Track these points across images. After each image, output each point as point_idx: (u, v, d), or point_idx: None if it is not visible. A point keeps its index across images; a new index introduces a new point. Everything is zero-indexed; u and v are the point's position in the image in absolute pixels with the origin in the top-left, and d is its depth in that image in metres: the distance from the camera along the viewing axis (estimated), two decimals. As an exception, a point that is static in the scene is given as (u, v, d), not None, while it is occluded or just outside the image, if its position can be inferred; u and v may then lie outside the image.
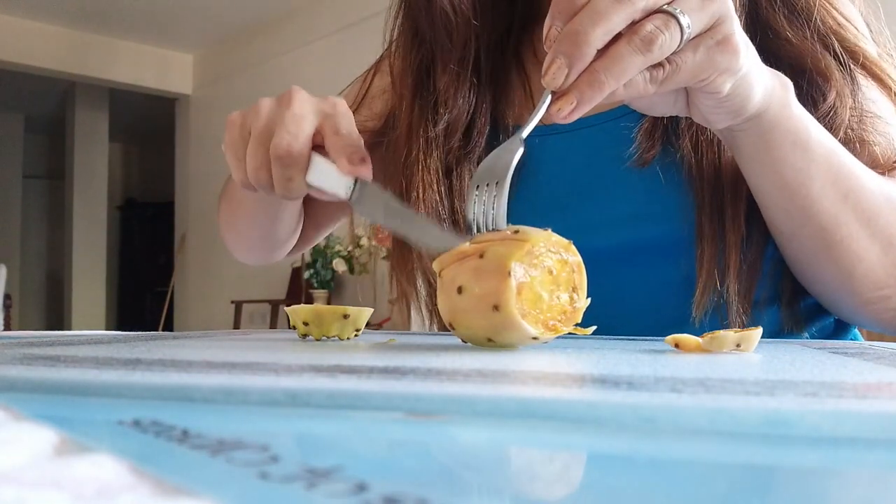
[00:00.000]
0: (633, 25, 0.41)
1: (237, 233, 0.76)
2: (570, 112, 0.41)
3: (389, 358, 0.32)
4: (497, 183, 0.42)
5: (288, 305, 0.49)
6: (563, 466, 0.17)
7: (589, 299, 0.41)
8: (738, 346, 0.38)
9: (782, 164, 0.51)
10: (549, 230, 0.40)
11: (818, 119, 0.53)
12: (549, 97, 0.42)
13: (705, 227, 0.58)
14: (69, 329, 6.07)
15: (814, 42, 0.58)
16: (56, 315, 6.86)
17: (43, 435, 0.17)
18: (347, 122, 0.51)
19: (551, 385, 0.24)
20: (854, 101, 0.58)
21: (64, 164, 6.45)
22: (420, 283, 0.70)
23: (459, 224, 0.65)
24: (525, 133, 0.43)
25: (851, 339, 0.68)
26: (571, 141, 0.65)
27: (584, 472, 0.17)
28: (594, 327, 0.42)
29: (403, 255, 0.69)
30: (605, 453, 0.18)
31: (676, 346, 0.39)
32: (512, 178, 0.42)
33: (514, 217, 0.42)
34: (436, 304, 0.59)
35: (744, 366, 0.30)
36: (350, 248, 3.96)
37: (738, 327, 0.51)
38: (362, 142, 0.50)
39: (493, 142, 0.67)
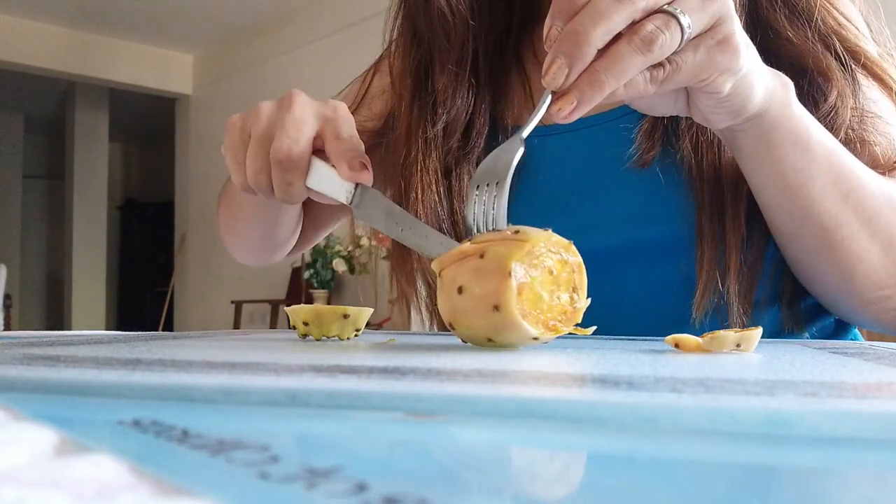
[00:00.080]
0: (634, 25, 0.41)
1: (236, 234, 0.76)
2: (570, 112, 0.41)
3: (389, 358, 0.32)
4: (497, 183, 0.42)
5: (288, 305, 0.49)
6: (563, 466, 0.17)
7: (589, 300, 0.41)
8: (738, 346, 0.38)
9: (783, 164, 0.51)
10: (550, 230, 0.40)
11: (819, 119, 0.53)
12: (550, 97, 0.42)
13: (705, 227, 0.58)
14: (69, 329, 6.08)
15: (815, 42, 0.58)
16: (56, 315, 6.86)
17: (43, 435, 0.17)
18: (348, 126, 0.51)
19: (551, 385, 0.24)
20: (855, 101, 0.58)
21: (64, 164, 6.45)
22: (420, 283, 0.70)
23: (459, 225, 0.65)
24: (525, 133, 0.43)
25: (851, 339, 0.68)
26: (571, 141, 0.65)
27: (584, 472, 0.17)
28: (594, 328, 0.42)
29: (403, 255, 0.69)
30: (605, 453, 0.18)
31: (676, 346, 0.39)
32: (512, 179, 0.42)
33: (514, 217, 0.42)
34: (436, 305, 0.59)
35: (744, 366, 0.30)
36: (350, 248, 3.96)
37: (739, 328, 0.51)
38: (363, 146, 0.50)
39: (493, 142, 0.67)
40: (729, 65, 0.43)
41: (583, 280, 0.40)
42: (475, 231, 0.42)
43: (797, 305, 0.62)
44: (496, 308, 0.36)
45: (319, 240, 0.86)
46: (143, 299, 7.43)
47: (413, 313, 0.73)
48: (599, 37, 0.40)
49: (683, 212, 0.59)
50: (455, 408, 0.20)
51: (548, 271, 0.38)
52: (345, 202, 0.50)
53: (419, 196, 0.66)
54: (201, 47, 5.67)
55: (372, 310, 0.52)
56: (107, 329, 2.25)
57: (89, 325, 6.19)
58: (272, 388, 0.21)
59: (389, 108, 0.74)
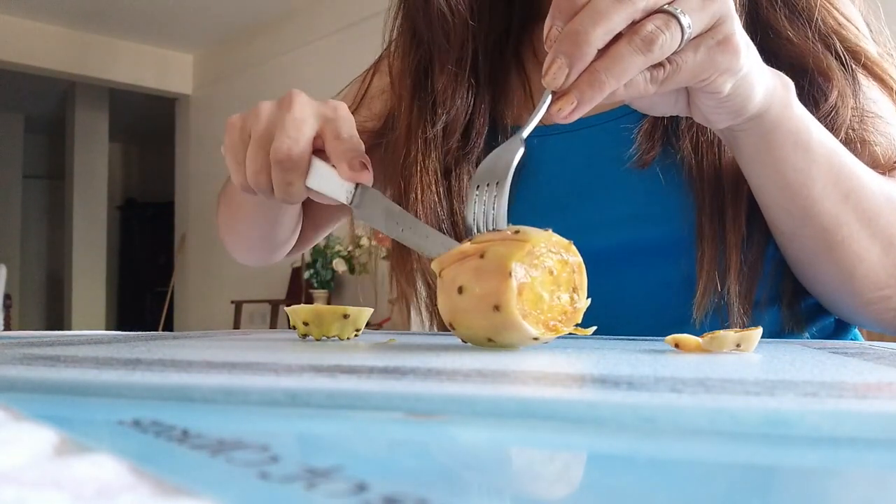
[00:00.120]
0: (634, 25, 0.41)
1: (236, 234, 0.76)
2: (570, 112, 0.41)
3: (389, 358, 0.32)
4: (497, 183, 0.42)
5: (288, 305, 0.49)
6: (563, 466, 0.17)
7: (589, 300, 0.41)
8: (738, 346, 0.38)
9: (783, 164, 0.51)
10: (550, 230, 0.40)
11: (819, 119, 0.53)
12: (550, 97, 0.42)
13: (705, 227, 0.58)
14: (69, 329, 6.08)
15: (815, 42, 0.58)
16: (56, 315, 6.86)
17: (43, 435, 0.17)
18: (348, 126, 0.51)
19: (551, 385, 0.24)
20: (855, 101, 0.58)
21: (64, 164, 6.45)
22: (420, 283, 0.70)
23: (459, 225, 0.65)
24: (525, 133, 0.43)
25: (851, 339, 0.68)
26: (572, 141, 0.65)
27: (584, 472, 0.17)
28: (594, 328, 0.42)
29: (403, 255, 0.69)
30: (605, 453, 0.18)
31: (676, 346, 0.39)
32: (512, 179, 0.42)
33: (514, 217, 0.42)
34: (436, 305, 0.59)
35: (744, 366, 0.30)
36: (350, 248, 3.96)
37: (739, 328, 0.51)
38: (363, 147, 0.50)
39: (492, 142, 0.67)
40: (729, 65, 0.43)
41: (583, 280, 0.40)
42: (475, 231, 0.42)
43: (797, 305, 0.62)
44: (496, 308, 0.36)
45: (319, 240, 0.86)
46: (143, 299, 7.44)
47: (413, 313, 0.73)
48: (599, 37, 0.40)
49: (683, 212, 0.59)
50: (455, 408, 0.20)
51: (548, 271, 0.38)
52: (345, 202, 0.50)
53: (419, 196, 0.66)
54: (201, 47, 5.67)
55: (372, 310, 0.52)
56: (107, 329, 2.25)
57: (89, 325, 6.19)
58: (272, 388, 0.21)
59: (389, 109, 0.74)
